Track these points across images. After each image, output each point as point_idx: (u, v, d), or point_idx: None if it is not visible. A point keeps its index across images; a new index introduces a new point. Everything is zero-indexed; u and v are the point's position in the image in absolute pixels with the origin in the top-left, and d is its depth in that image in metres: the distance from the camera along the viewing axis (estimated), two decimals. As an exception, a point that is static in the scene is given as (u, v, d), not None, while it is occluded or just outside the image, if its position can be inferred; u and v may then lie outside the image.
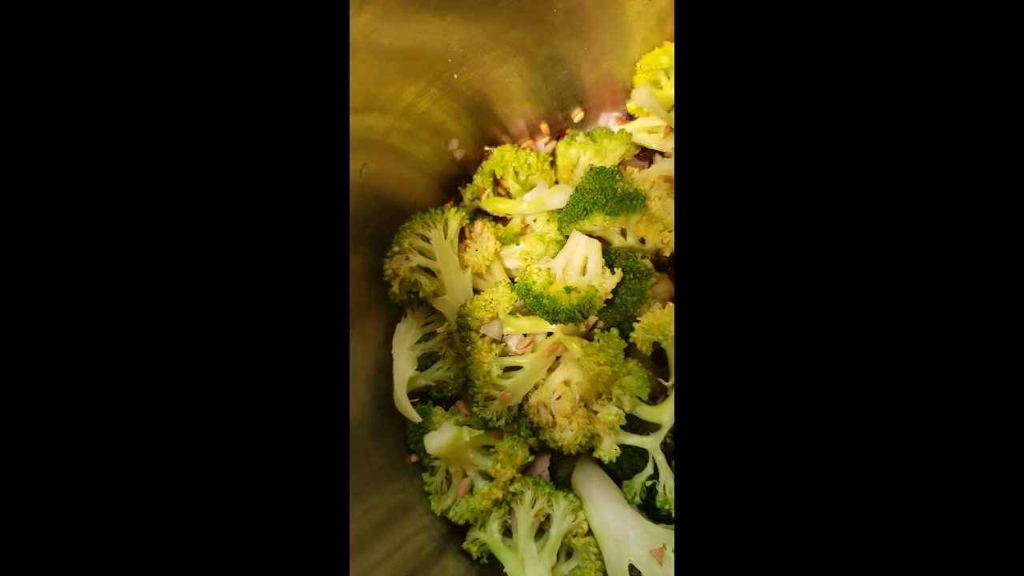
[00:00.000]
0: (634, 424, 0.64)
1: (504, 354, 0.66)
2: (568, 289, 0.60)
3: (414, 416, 0.67)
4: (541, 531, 0.65)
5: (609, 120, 0.80)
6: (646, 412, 0.64)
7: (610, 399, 0.63)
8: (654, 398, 0.65)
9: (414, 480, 0.68)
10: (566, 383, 0.66)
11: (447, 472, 0.67)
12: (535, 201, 0.70)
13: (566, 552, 0.65)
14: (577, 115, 0.78)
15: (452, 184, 0.75)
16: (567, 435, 0.64)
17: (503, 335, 0.66)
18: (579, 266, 0.63)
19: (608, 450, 0.63)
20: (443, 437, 0.61)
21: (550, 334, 0.66)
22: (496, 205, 0.72)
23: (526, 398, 0.67)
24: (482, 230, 0.70)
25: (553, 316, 0.60)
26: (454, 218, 0.68)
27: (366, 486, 0.63)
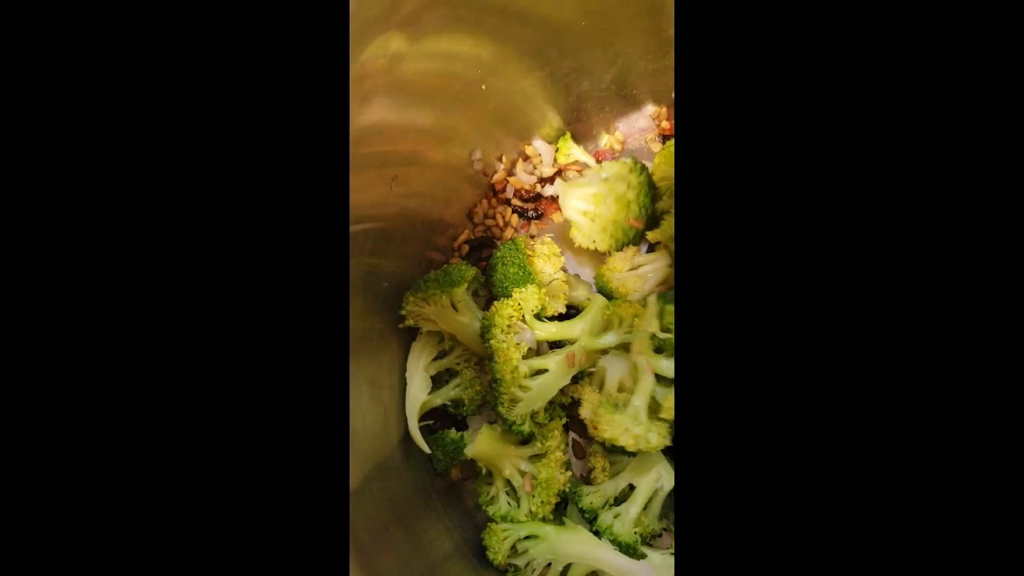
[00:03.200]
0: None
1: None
2: None
3: (423, 446, 0.66)
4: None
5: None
6: None
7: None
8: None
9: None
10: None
11: (502, 480, 0.68)
12: None
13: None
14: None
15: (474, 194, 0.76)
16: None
17: (536, 342, 0.65)
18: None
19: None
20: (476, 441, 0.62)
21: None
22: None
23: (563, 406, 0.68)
24: None
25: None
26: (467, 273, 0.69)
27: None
